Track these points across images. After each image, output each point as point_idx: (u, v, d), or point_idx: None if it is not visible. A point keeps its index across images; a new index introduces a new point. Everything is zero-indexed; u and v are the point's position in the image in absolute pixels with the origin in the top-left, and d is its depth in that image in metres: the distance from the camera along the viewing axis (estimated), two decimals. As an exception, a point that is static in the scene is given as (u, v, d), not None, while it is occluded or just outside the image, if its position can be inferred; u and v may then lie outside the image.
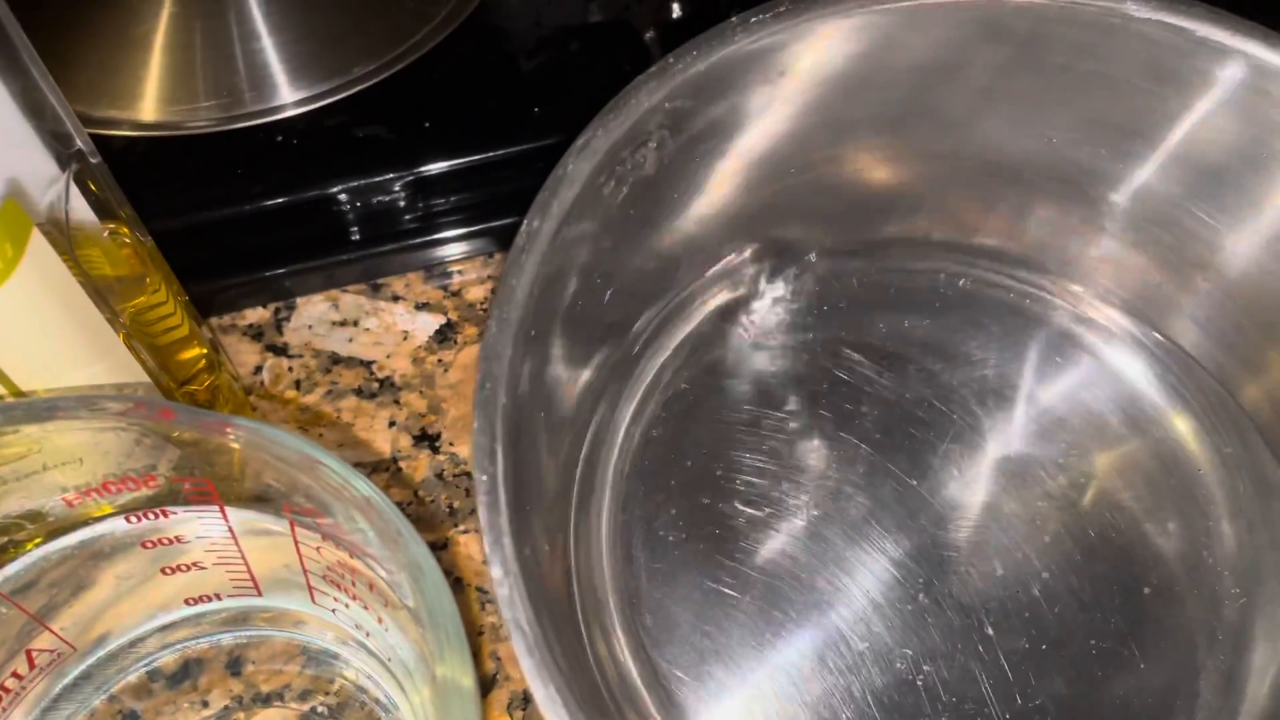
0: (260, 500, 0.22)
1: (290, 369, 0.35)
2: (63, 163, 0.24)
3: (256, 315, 0.36)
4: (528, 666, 0.20)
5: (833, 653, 0.28)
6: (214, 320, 0.36)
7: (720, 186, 0.31)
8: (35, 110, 0.24)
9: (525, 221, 0.26)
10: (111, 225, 0.27)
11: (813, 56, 0.28)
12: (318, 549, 0.23)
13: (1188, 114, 0.28)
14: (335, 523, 0.21)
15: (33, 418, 0.19)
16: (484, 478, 0.22)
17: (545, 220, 0.26)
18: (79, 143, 0.25)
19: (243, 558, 0.24)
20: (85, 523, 0.23)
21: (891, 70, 0.29)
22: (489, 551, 0.21)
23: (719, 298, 0.33)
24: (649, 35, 0.41)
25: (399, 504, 0.32)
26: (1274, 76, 0.26)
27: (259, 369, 0.35)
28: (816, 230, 0.33)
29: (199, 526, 0.23)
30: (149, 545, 0.23)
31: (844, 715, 0.27)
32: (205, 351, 0.30)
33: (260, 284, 0.36)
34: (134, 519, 0.23)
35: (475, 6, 0.37)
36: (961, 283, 0.34)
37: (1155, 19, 0.27)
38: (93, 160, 0.25)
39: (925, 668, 0.28)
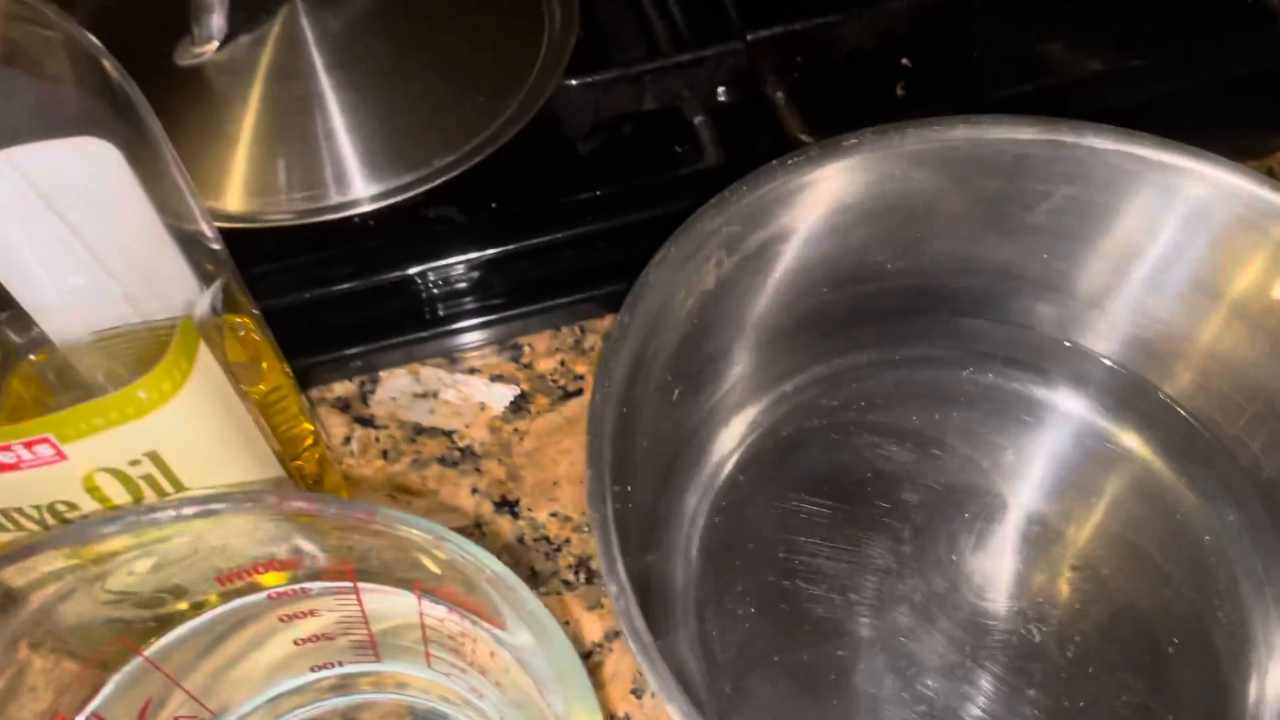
0: (391, 576, 0.24)
1: (377, 439, 0.37)
2: (205, 271, 0.26)
3: (343, 389, 0.39)
4: (640, 653, 0.22)
5: (888, 704, 0.30)
6: (306, 394, 0.38)
7: (767, 300, 0.34)
8: (182, 216, 0.27)
9: (619, 316, 0.29)
10: (237, 318, 0.29)
11: (839, 191, 0.32)
12: (441, 620, 0.25)
13: (1152, 228, 0.32)
14: (462, 595, 0.24)
15: (203, 514, 0.22)
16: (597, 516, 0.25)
17: (634, 316, 0.29)
18: (217, 244, 0.27)
19: (368, 629, 0.26)
20: (231, 596, 0.25)
21: (906, 199, 0.33)
22: (605, 574, 0.24)
23: (768, 397, 0.36)
24: (698, 119, 0.44)
25: (486, 567, 0.34)
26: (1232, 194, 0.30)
27: (348, 439, 0.37)
28: (851, 339, 0.36)
29: (333, 602, 0.25)
30: (285, 619, 0.25)
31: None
32: (312, 428, 0.33)
33: (346, 360, 0.39)
34: (275, 595, 0.25)
35: (545, 100, 0.40)
36: (984, 378, 0.36)
37: (1115, 149, 0.30)
38: (226, 261, 0.28)
39: (966, 714, 0.30)
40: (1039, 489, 0.34)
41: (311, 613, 0.25)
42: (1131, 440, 0.35)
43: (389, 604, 0.25)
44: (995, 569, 0.33)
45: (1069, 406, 0.36)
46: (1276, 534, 0.32)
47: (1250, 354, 0.32)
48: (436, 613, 0.25)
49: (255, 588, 0.25)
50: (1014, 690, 0.30)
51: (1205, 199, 0.31)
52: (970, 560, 0.33)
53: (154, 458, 0.23)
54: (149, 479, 0.24)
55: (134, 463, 0.23)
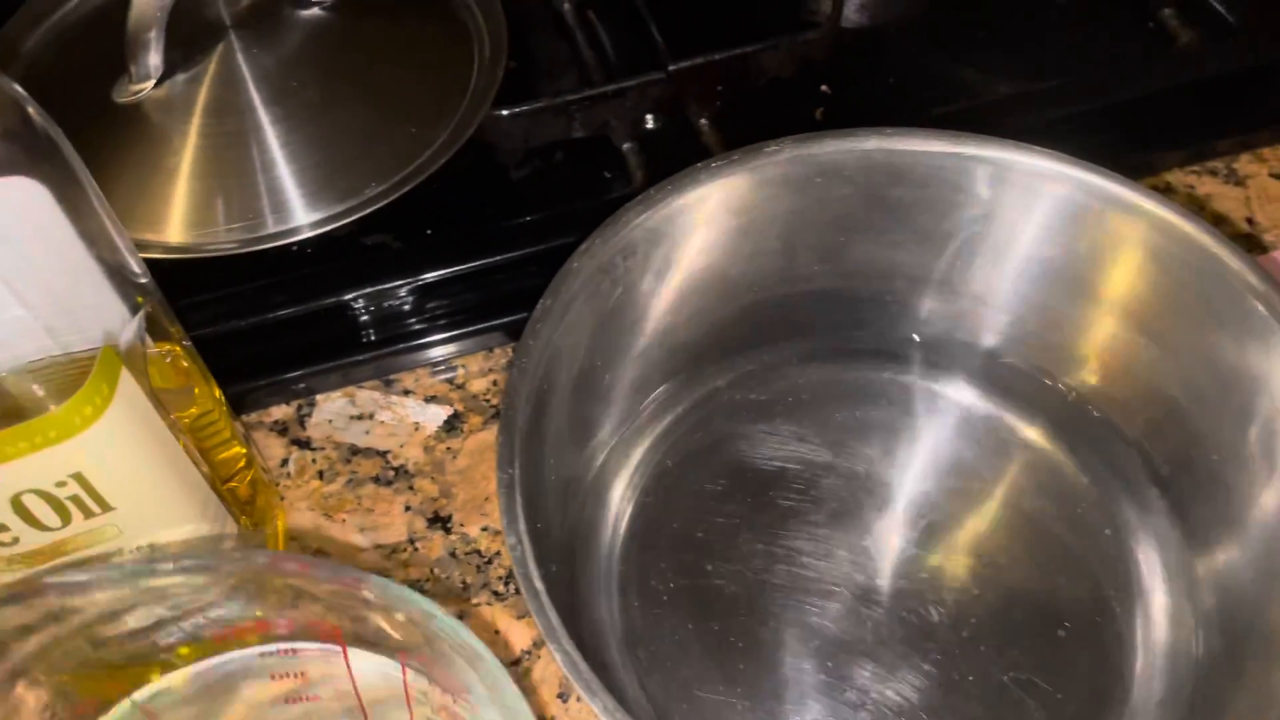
0: (377, 645, 0.25)
1: (314, 460, 0.39)
2: (133, 302, 0.28)
3: (281, 412, 0.40)
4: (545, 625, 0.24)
5: (794, 676, 0.32)
6: (243, 418, 0.40)
7: (695, 298, 0.35)
8: (106, 250, 0.28)
9: (540, 301, 0.30)
10: (165, 346, 0.31)
11: (762, 195, 0.34)
12: (424, 691, 0.26)
13: (996, 217, 0.34)
14: (444, 671, 0.24)
15: (184, 570, 0.22)
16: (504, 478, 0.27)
17: (556, 300, 0.31)
18: (143, 278, 0.29)
19: (356, 694, 0.27)
20: (224, 650, 0.26)
21: (827, 206, 0.35)
22: (505, 528, 0.26)
23: (698, 390, 0.37)
24: (626, 146, 0.46)
25: (416, 581, 0.36)
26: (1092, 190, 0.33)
27: (285, 461, 0.39)
28: (781, 338, 0.38)
29: (323, 665, 0.26)
30: (276, 677, 0.26)
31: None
32: (245, 450, 0.34)
33: (284, 384, 0.40)
34: (268, 653, 0.26)
35: (474, 130, 0.41)
36: (903, 377, 0.38)
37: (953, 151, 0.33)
38: (152, 292, 0.29)
39: (872, 694, 0.32)
40: (947, 481, 0.36)
41: (303, 674, 0.26)
42: (1036, 435, 0.37)
43: (377, 672, 0.26)
44: (900, 554, 0.35)
45: (978, 403, 0.37)
46: (1171, 529, 0.34)
47: (1140, 354, 0.34)
48: (419, 683, 0.25)
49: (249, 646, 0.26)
50: (910, 664, 0.32)
51: (1084, 204, 0.33)
52: (877, 546, 0.35)
53: (80, 479, 0.25)
54: (76, 499, 0.25)
55: (60, 484, 0.25)
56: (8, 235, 0.26)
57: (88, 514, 0.26)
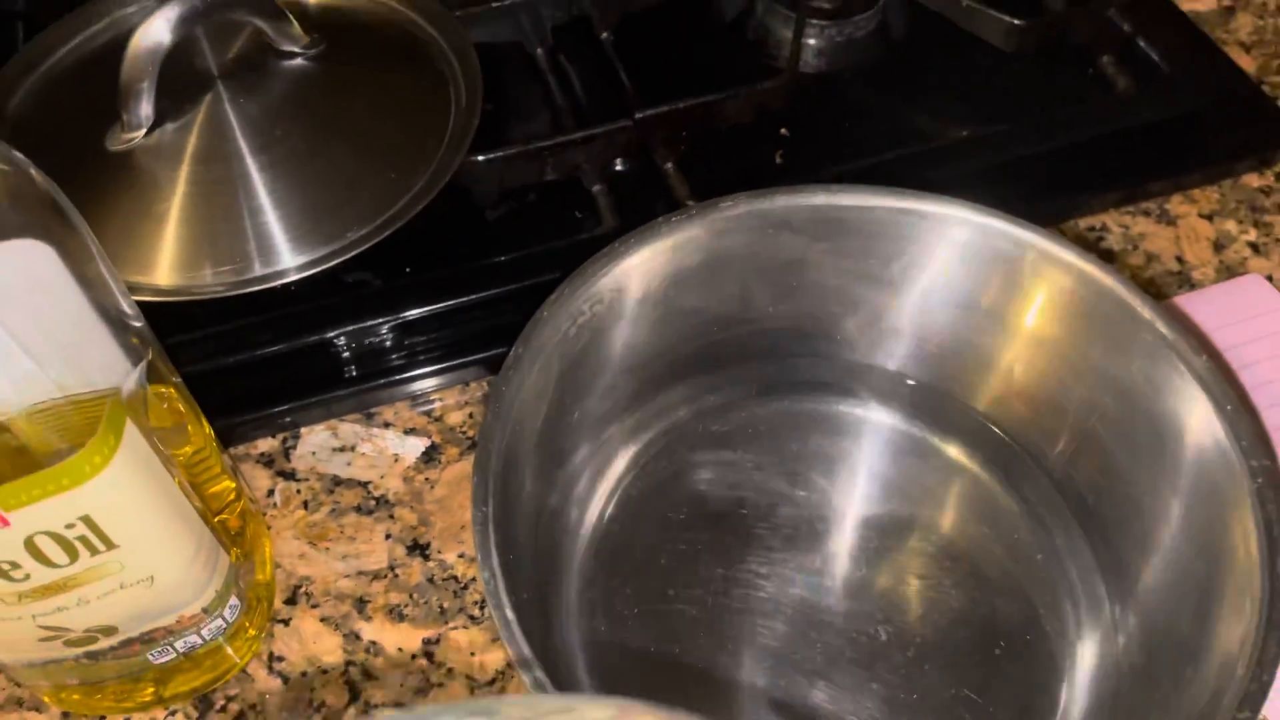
0: None
1: (299, 491, 0.41)
2: (130, 344, 0.30)
3: (267, 445, 0.42)
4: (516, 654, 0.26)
5: (750, 695, 0.35)
6: (231, 450, 0.42)
7: (658, 338, 0.38)
8: (107, 301, 0.30)
9: (512, 349, 0.33)
10: (160, 388, 0.33)
11: (719, 245, 0.36)
12: None
13: (929, 263, 0.37)
14: None
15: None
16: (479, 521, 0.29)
17: (527, 348, 0.33)
18: (139, 322, 0.31)
19: None
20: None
21: (779, 253, 0.37)
22: (480, 563, 0.28)
23: (663, 423, 0.40)
24: (596, 188, 0.48)
25: (395, 607, 0.38)
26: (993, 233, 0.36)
27: (271, 492, 0.41)
28: (740, 373, 0.41)
29: None
30: None
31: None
32: (234, 484, 0.36)
33: (269, 418, 0.42)
34: None
35: (452, 174, 0.44)
36: (854, 410, 0.41)
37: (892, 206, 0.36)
38: (150, 339, 0.31)
39: (823, 712, 0.34)
40: (893, 508, 0.39)
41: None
42: (973, 464, 0.39)
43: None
44: (851, 578, 0.37)
45: (921, 434, 0.40)
46: (1094, 554, 0.37)
47: (1061, 390, 0.37)
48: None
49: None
50: (859, 682, 0.35)
51: (1009, 252, 0.36)
52: (829, 570, 0.37)
53: (87, 521, 0.27)
54: (83, 539, 0.27)
55: (69, 526, 0.27)
56: (16, 293, 0.28)
57: (94, 552, 0.28)
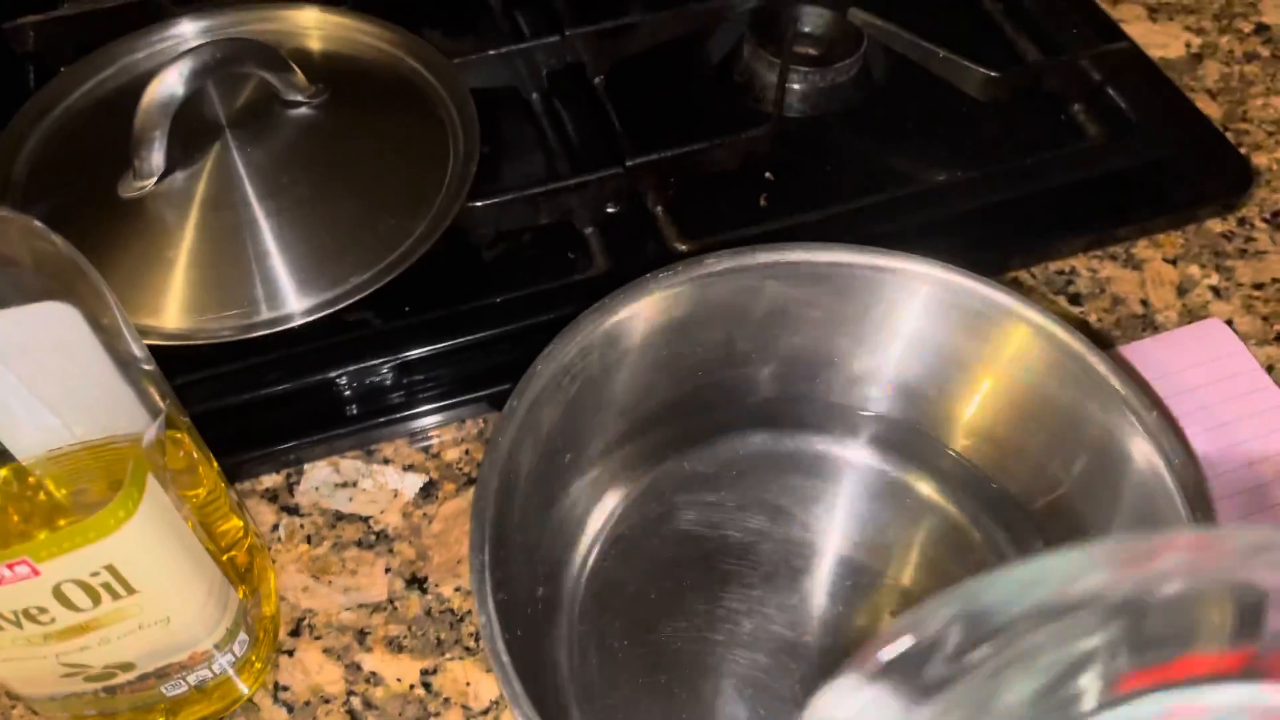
0: None
1: (302, 526, 0.43)
2: (142, 388, 0.32)
3: (271, 480, 0.44)
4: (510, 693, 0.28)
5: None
6: (236, 485, 0.44)
7: (647, 385, 0.40)
8: (126, 354, 0.32)
9: (508, 402, 0.35)
10: (174, 434, 0.35)
11: (704, 298, 0.38)
12: None
13: (901, 315, 0.40)
14: None
15: None
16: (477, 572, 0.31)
17: (521, 401, 0.35)
18: (150, 367, 0.33)
19: None
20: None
21: (761, 304, 0.40)
22: (477, 607, 0.30)
23: (650, 464, 0.42)
24: (589, 230, 0.50)
25: (394, 638, 0.40)
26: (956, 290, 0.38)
27: (276, 526, 0.43)
28: (724, 416, 0.43)
29: None
30: None
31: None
32: (242, 522, 0.38)
33: (274, 455, 0.44)
34: None
35: (451, 220, 0.46)
36: (835, 451, 0.43)
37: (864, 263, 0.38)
38: (166, 391, 0.33)
39: None
40: (870, 545, 0.41)
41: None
42: (947, 504, 0.42)
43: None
44: (829, 612, 0.39)
45: (896, 473, 0.42)
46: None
47: (1031, 438, 0.39)
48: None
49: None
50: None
51: (976, 309, 0.38)
52: (808, 605, 0.39)
53: (111, 569, 0.29)
54: (107, 585, 0.29)
55: (94, 574, 0.29)
56: (40, 353, 0.30)
57: (115, 596, 0.30)
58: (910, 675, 0.18)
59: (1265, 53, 0.59)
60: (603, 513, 0.41)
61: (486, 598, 0.30)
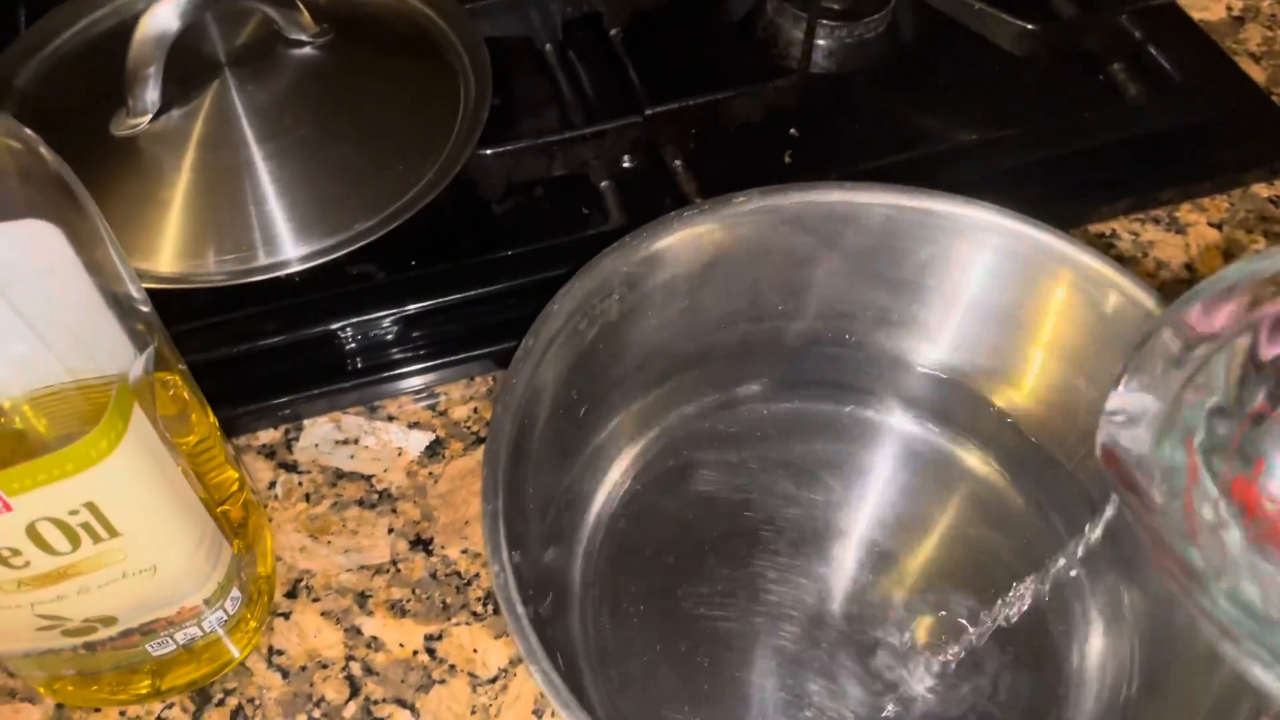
0: None
1: (300, 483, 0.40)
2: (136, 331, 0.29)
3: (269, 436, 0.42)
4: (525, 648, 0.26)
5: (756, 695, 0.35)
6: (232, 441, 0.41)
7: (668, 334, 0.37)
8: (115, 285, 0.30)
9: (522, 341, 0.33)
10: (165, 375, 0.32)
11: (729, 241, 0.36)
12: None
13: (944, 264, 0.37)
14: None
15: None
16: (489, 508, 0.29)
17: (537, 340, 0.33)
18: (146, 307, 0.30)
19: None
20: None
21: (790, 251, 0.37)
22: (489, 557, 0.27)
23: (670, 420, 0.40)
24: (604, 184, 0.48)
25: (397, 602, 0.37)
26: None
27: (273, 484, 0.40)
28: (748, 371, 0.40)
29: None
30: None
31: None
32: (237, 474, 0.35)
33: (271, 409, 0.42)
34: None
35: (460, 167, 0.43)
36: (863, 412, 0.40)
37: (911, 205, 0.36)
38: (156, 325, 0.31)
39: (829, 713, 0.34)
40: (901, 511, 0.38)
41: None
42: (985, 467, 0.39)
43: None
44: (855, 580, 0.37)
45: (930, 436, 0.40)
46: (1108, 562, 0.36)
47: (1077, 392, 0.37)
48: None
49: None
50: (864, 685, 0.34)
51: (1023, 254, 0.36)
52: (837, 573, 0.37)
53: (91, 507, 0.26)
54: (86, 526, 0.27)
55: (73, 512, 0.26)
56: (23, 273, 0.28)
57: (96, 539, 0.27)
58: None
59: (1309, 16, 0.57)
60: (619, 470, 0.39)
61: (500, 548, 0.28)
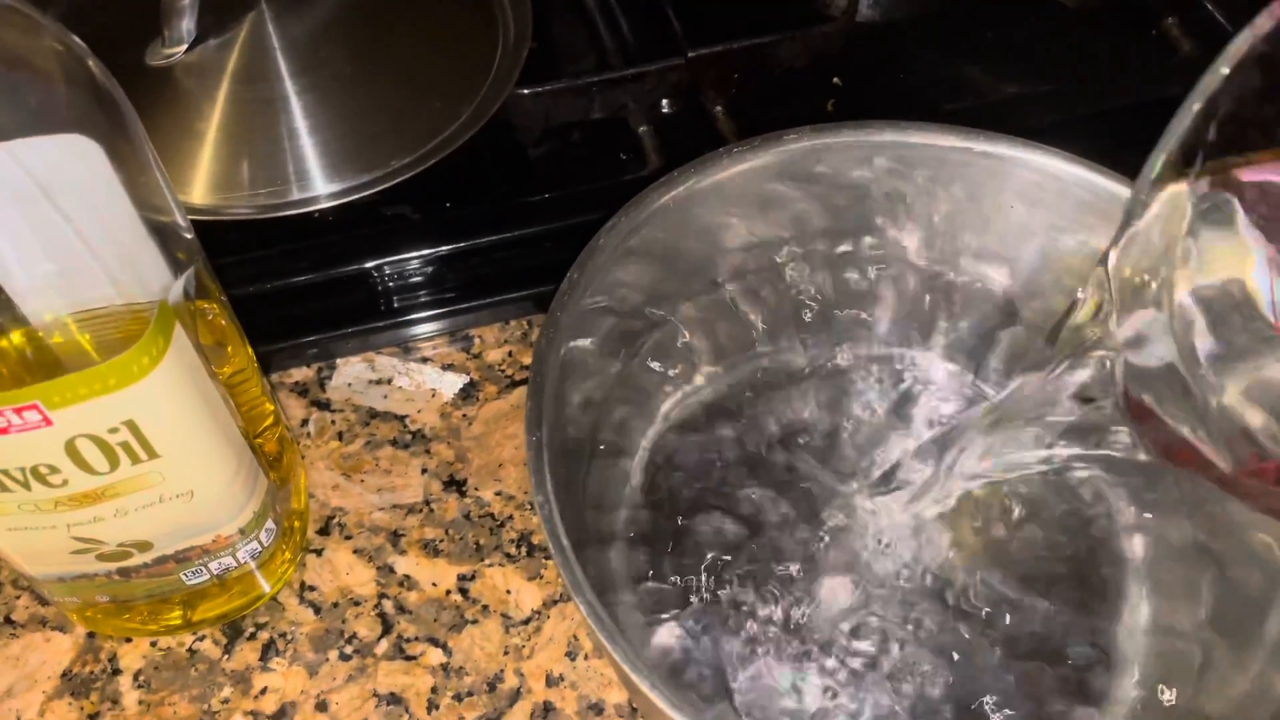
0: None
1: (333, 422, 0.40)
2: (177, 259, 0.29)
3: (302, 374, 0.41)
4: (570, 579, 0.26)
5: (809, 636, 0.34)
6: (267, 377, 0.41)
7: (717, 273, 0.37)
8: (157, 207, 0.29)
9: (567, 275, 0.32)
10: (204, 304, 0.32)
11: (778, 179, 0.35)
12: None
13: (1026, 216, 0.36)
14: None
15: None
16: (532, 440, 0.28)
17: (582, 274, 0.32)
18: (189, 234, 0.30)
19: None
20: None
21: (836, 192, 0.36)
22: (534, 488, 0.27)
23: (718, 361, 0.39)
24: (642, 129, 0.47)
25: (430, 541, 0.37)
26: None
27: (305, 422, 0.40)
28: (789, 320, 0.39)
29: None
30: None
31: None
32: (273, 408, 0.35)
33: (305, 347, 0.41)
34: None
35: (498, 107, 0.42)
36: (924, 355, 0.40)
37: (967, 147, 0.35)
38: (197, 250, 0.30)
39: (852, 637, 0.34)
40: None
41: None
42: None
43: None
44: (861, 519, 0.36)
45: (971, 389, 0.39)
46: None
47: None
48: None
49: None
50: (907, 623, 0.34)
51: (1088, 201, 0.35)
52: (849, 509, 0.36)
53: (131, 426, 0.26)
54: (125, 445, 0.26)
55: (113, 430, 0.26)
56: (75, 189, 0.27)
57: (135, 460, 0.27)
58: None
59: (1368, -25, 0.55)
60: (663, 411, 0.38)
61: (545, 479, 0.27)
